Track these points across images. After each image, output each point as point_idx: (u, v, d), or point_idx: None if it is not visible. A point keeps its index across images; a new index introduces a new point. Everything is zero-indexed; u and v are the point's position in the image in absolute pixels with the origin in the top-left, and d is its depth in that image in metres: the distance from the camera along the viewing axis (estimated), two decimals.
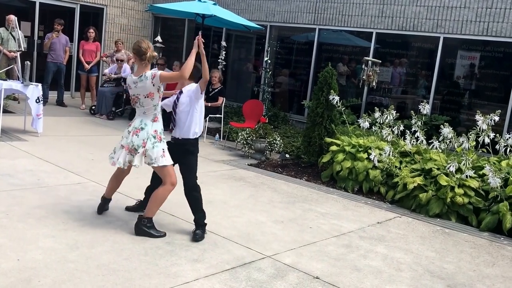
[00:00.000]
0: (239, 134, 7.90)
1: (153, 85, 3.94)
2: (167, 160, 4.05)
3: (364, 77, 8.42)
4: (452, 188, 5.56)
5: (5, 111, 8.84)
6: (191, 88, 4.20)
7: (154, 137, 4.00)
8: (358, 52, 9.63)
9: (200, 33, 4.53)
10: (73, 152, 6.60)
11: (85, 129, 8.33)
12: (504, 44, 7.89)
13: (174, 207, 4.89)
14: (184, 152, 4.20)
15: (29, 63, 7.42)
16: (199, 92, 4.14)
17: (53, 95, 10.31)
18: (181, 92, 4.27)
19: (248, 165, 7.22)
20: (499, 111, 6.00)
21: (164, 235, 4.10)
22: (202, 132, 8.74)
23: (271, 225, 4.72)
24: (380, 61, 8.47)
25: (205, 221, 4.27)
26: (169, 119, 4.25)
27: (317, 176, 6.82)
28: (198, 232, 4.17)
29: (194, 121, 4.19)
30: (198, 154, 4.35)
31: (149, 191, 4.47)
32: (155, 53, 4.10)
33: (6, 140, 6.73)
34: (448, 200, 5.50)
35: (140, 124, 4.03)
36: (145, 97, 3.98)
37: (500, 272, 4.27)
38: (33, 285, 3.07)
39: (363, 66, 8.46)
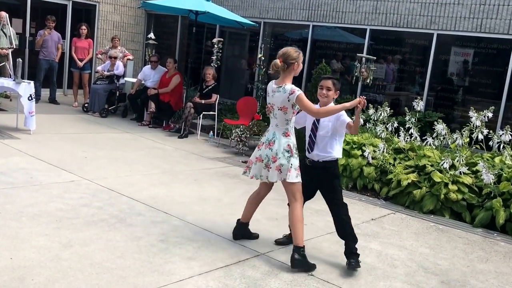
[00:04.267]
0: (233, 131, 7.88)
1: (288, 100, 3.68)
2: (299, 177, 3.78)
3: (357, 74, 8.43)
4: (446, 185, 5.58)
5: None
6: (337, 114, 3.81)
7: (288, 151, 3.74)
8: (352, 49, 9.63)
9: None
10: (66, 150, 6.56)
11: (78, 127, 8.28)
12: (498, 41, 7.92)
13: (167, 204, 4.87)
14: (326, 175, 3.92)
15: (21, 60, 7.35)
16: (344, 127, 3.80)
17: (45, 92, 10.23)
18: None
19: (242, 162, 7.20)
20: (493, 107, 6.02)
21: (315, 266, 3.79)
22: (196, 129, 8.81)
23: (265, 223, 4.72)
24: (375, 58, 8.48)
25: (357, 246, 3.92)
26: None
27: None
28: (353, 262, 3.82)
29: (334, 144, 3.88)
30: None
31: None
32: (300, 67, 3.81)
33: None
34: (442, 196, 5.52)
35: (273, 136, 3.80)
36: (279, 109, 3.74)
37: (494, 267, 4.29)
38: (26, 284, 3.05)
39: (356, 63, 8.46)
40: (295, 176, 3.74)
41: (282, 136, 3.77)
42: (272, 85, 3.82)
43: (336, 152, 3.90)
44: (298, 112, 3.90)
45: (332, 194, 3.93)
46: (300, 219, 3.77)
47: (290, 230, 3.96)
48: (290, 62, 3.71)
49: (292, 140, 3.80)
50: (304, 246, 3.73)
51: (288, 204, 3.88)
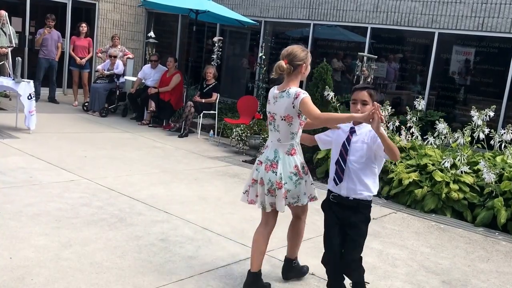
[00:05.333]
0: (234, 130, 7.86)
1: (293, 106, 3.03)
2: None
3: (358, 72, 8.41)
4: (447, 184, 5.56)
5: None
6: (372, 133, 2.88)
7: (296, 174, 3.13)
8: (353, 48, 9.61)
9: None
10: (65, 149, 6.54)
11: (77, 126, 8.26)
12: (499, 40, 7.90)
13: (167, 204, 4.85)
14: (353, 217, 3.00)
15: (20, 59, 7.32)
16: (383, 150, 2.83)
17: (45, 91, 10.21)
18: (353, 130, 3.00)
19: (242, 161, 7.18)
20: (494, 106, 6.00)
21: (307, 269, 3.67)
22: (196, 128, 8.79)
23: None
24: (376, 57, 8.45)
25: None
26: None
27: (312, 172, 6.74)
28: None
29: (370, 174, 2.98)
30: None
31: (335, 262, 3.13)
32: (308, 69, 3.19)
33: None
34: (443, 195, 5.50)
35: (275, 156, 3.14)
36: (282, 119, 3.08)
37: (495, 267, 4.27)
38: (26, 283, 3.03)
39: (358, 62, 8.44)
40: (304, 200, 3.25)
41: (286, 155, 3.13)
42: (273, 90, 3.19)
43: (373, 186, 3.00)
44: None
45: (352, 240, 3.03)
46: (302, 235, 3.54)
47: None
48: (297, 64, 3.09)
49: (300, 159, 3.18)
50: (296, 257, 3.55)
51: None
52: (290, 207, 3.34)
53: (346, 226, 3.02)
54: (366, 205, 3.02)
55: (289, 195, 3.17)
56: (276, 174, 3.11)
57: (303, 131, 3.25)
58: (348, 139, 2.98)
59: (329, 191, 3.10)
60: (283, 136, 3.12)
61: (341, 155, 2.99)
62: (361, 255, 3.16)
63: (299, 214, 3.42)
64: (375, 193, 3.03)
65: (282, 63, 3.07)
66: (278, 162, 3.12)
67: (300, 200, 3.23)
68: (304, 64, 3.13)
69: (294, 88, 3.07)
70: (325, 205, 3.14)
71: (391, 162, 6.10)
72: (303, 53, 3.11)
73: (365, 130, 2.96)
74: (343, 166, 2.97)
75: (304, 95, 3.02)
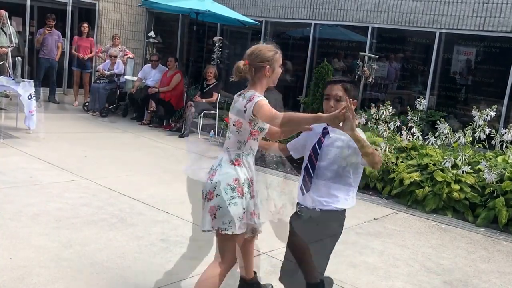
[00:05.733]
0: None
1: (245, 111, 2.57)
2: (241, 228, 2.66)
3: (359, 72, 8.40)
4: (448, 184, 5.55)
5: None
6: (347, 136, 2.41)
7: (233, 190, 2.57)
8: (354, 47, 9.60)
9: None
10: (65, 149, 6.53)
11: (78, 126, 8.25)
12: (501, 39, 7.89)
13: (167, 204, 4.84)
14: (318, 231, 2.54)
15: (20, 59, 7.31)
16: (359, 156, 2.43)
17: (45, 91, 10.20)
18: (326, 131, 2.59)
19: None
20: (495, 106, 5.98)
21: None
22: (197, 128, 8.78)
23: (266, 222, 4.68)
24: (377, 57, 8.44)
25: None
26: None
27: None
28: None
29: (342, 185, 2.54)
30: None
31: (286, 272, 2.70)
32: (277, 72, 2.69)
33: None
34: (444, 195, 5.49)
35: (218, 164, 2.68)
36: (233, 124, 2.67)
37: (496, 267, 4.26)
38: (26, 284, 3.02)
39: (359, 62, 8.43)
40: (236, 227, 2.59)
41: (229, 164, 2.63)
42: (236, 95, 2.78)
43: (345, 199, 2.53)
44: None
45: (313, 256, 2.54)
46: (214, 285, 2.64)
47: None
48: (259, 65, 2.61)
49: (245, 174, 2.63)
50: None
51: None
52: (217, 237, 2.67)
53: (309, 239, 2.54)
54: (336, 216, 2.52)
55: (219, 214, 2.57)
56: (211, 182, 2.62)
57: (273, 141, 2.85)
58: (320, 142, 2.56)
59: (297, 204, 2.65)
60: (231, 143, 2.68)
61: (310, 160, 2.56)
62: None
63: (220, 252, 2.68)
64: (348, 207, 2.55)
65: (240, 63, 2.65)
66: (217, 170, 2.65)
67: (231, 227, 2.57)
68: (269, 66, 2.62)
69: (251, 92, 2.63)
70: (291, 219, 2.69)
71: (392, 162, 6.08)
72: (269, 53, 2.64)
73: (340, 132, 2.47)
74: (312, 172, 2.53)
75: (259, 98, 2.56)
